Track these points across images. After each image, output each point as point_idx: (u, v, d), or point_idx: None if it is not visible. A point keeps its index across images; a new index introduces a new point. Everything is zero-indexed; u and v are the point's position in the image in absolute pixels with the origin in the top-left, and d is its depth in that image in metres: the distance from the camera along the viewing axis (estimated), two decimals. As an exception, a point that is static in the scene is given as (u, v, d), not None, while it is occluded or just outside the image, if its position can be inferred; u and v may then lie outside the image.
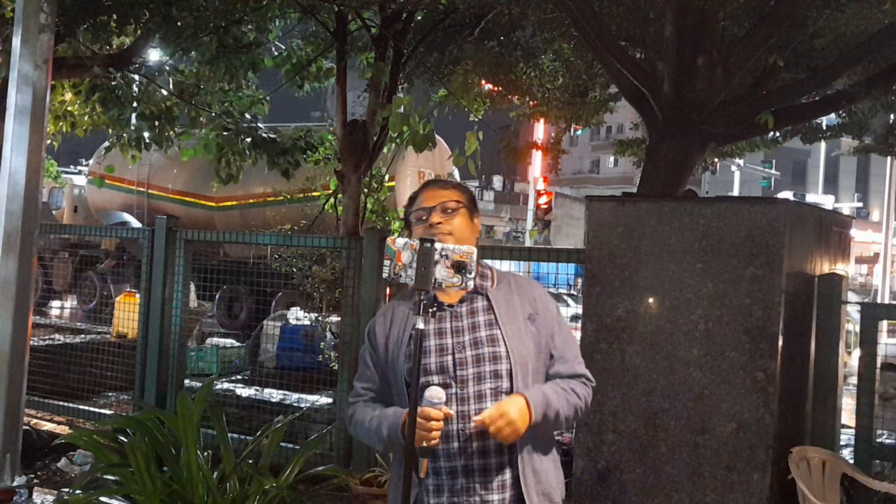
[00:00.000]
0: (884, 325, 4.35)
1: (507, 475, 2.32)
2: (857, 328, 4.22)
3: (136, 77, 8.20)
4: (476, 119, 9.31)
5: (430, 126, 6.39)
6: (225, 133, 8.16)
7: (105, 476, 4.36)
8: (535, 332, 2.39)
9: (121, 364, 7.07)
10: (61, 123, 9.32)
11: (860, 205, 47.40)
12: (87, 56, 7.45)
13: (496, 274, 2.48)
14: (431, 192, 2.48)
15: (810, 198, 38.39)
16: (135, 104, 8.20)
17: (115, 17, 6.96)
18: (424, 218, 2.42)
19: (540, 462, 2.36)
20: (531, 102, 9.09)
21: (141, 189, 16.00)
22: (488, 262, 2.60)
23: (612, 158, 53.51)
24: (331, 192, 9.29)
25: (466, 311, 2.39)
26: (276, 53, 8.78)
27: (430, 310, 2.29)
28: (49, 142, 9.50)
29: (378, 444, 2.42)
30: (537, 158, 24.67)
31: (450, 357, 2.34)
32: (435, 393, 2.22)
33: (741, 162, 33.25)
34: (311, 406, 6.63)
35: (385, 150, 8.28)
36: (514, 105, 9.63)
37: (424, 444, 2.22)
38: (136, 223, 15.16)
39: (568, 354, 2.44)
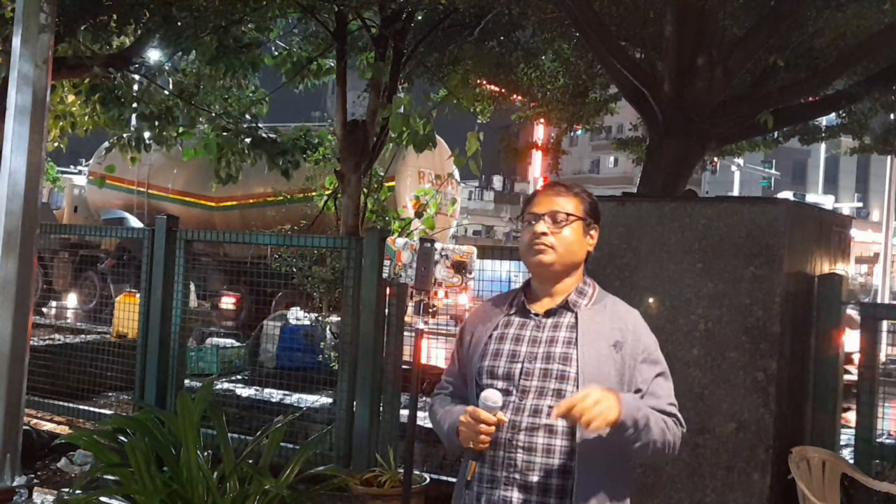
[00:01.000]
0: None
1: (551, 501, 2.17)
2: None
3: (137, 77, 8.20)
4: (481, 121, 9.32)
5: (430, 126, 6.39)
6: (225, 133, 8.17)
7: (105, 476, 4.36)
8: (620, 361, 2.22)
9: (121, 364, 7.07)
10: (62, 123, 9.32)
11: (860, 205, 47.41)
12: (87, 56, 7.46)
13: (596, 293, 2.35)
14: (546, 196, 2.33)
15: (810, 198, 38.40)
16: (135, 104, 8.21)
17: (115, 17, 6.97)
18: (532, 223, 2.30)
19: (601, 499, 2.17)
20: (531, 103, 9.10)
21: (141, 189, 16.01)
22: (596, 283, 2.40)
23: (612, 158, 53.52)
24: (329, 192, 9.29)
25: (550, 324, 2.30)
26: (276, 53, 8.79)
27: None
28: (56, 144, 9.52)
29: (444, 440, 2.36)
30: (537, 158, 24.68)
31: (519, 365, 2.25)
32: (490, 395, 2.15)
33: (741, 162, 33.28)
34: (311, 406, 6.63)
35: (385, 150, 8.29)
36: (515, 106, 9.63)
37: (471, 445, 2.16)
38: (133, 220, 15.15)
39: (660, 392, 2.24)
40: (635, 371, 2.24)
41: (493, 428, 2.15)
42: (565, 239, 2.28)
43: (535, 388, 2.22)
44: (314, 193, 10.02)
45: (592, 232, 2.36)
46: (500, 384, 2.24)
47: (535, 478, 2.18)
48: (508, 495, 2.20)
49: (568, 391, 2.18)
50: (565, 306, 2.31)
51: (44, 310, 12.16)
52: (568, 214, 2.29)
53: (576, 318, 2.28)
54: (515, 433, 2.20)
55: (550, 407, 2.18)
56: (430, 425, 2.55)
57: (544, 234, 2.26)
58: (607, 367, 2.21)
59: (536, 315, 2.32)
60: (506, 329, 2.34)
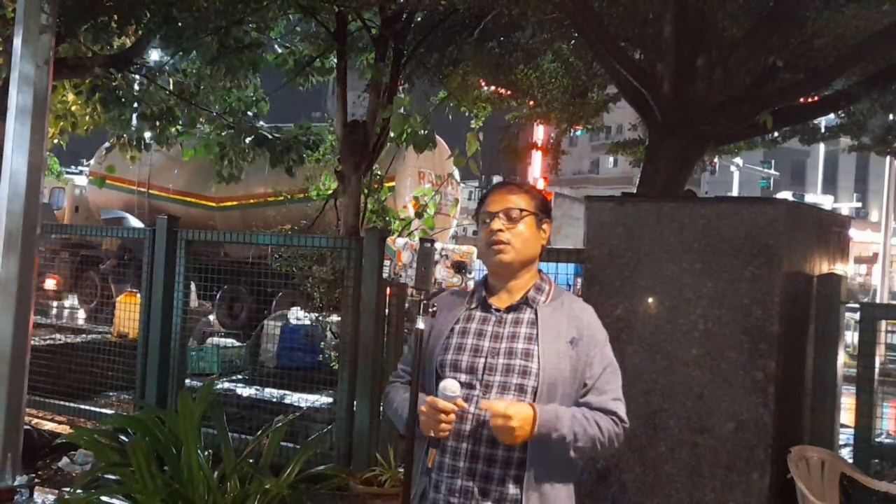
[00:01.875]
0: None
1: (510, 490, 2.27)
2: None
3: (137, 77, 8.21)
4: (474, 125, 9.32)
5: (430, 126, 6.40)
6: (227, 132, 8.17)
7: (106, 475, 4.37)
8: (575, 356, 2.33)
9: (122, 364, 7.08)
10: (62, 123, 9.33)
11: (859, 205, 47.42)
12: (87, 56, 7.46)
13: (553, 290, 2.44)
14: (498, 195, 2.43)
15: (809, 198, 38.43)
16: (135, 104, 8.21)
17: (115, 17, 6.96)
18: (487, 222, 2.39)
19: (551, 488, 2.29)
20: (530, 103, 9.11)
21: (142, 189, 16.01)
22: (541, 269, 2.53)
23: (611, 159, 53.49)
24: (328, 191, 9.30)
25: (511, 320, 2.38)
26: (277, 52, 8.79)
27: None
28: (56, 142, 9.53)
29: (400, 426, 2.43)
30: (537, 159, 24.69)
31: (482, 360, 2.34)
32: (449, 385, 2.22)
33: (740, 162, 33.30)
34: (312, 406, 6.64)
35: (385, 150, 8.29)
36: (514, 106, 9.64)
37: (432, 433, 2.22)
38: (132, 219, 15.16)
39: (605, 388, 2.35)
40: (586, 366, 2.35)
41: (452, 416, 2.22)
42: (521, 234, 2.39)
43: (498, 383, 2.31)
44: (312, 191, 10.03)
45: (545, 226, 2.46)
46: (462, 377, 2.32)
47: (497, 469, 2.28)
48: (469, 484, 2.29)
49: (529, 386, 2.29)
50: (525, 302, 2.40)
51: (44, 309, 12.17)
52: (521, 209, 2.39)
53: (535, 314, 2.37)
54: (479, 427, 2.29)
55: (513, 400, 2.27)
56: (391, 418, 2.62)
57: (500, 230, 2.36)
58: (564, 362, 2.31)
59: (498, 310, 2.41)
60: (468, 323, 2.42)
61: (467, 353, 2.36)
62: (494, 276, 2.45)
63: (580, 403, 2.33)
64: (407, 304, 5.53)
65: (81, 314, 14.98)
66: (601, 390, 2.34)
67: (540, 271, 2.48)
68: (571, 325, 2.36)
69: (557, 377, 2.29)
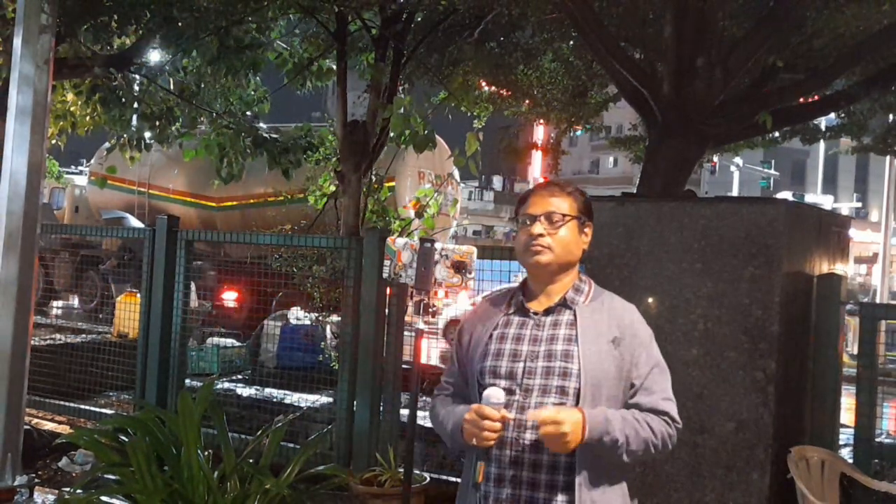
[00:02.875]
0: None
1: (558, 497, 2.20)
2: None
3: (137, 77, 8.21)
4: (477, 125, 9.33)
5: (430, 127, 6.41)
6: (227, 131, 8.17)
7: (106, 475, 4.38)
8: (619, 356, 2.25)
9: (122, 363, 7.08)
10: (62, 123, 9.33)
11: (859, 205, 47.43)
12: (87, 56, 7.46)
13: (593, 290, 2.38)
14: (540, 197, 2.36)
15: (809, 198, 38.42)
16: (135, 104, 8.22)
17: (115, 17, 6.97)
18: (527, 224, 2.34)
19: (602, 494, 2.22)
20: (530, 103, 9.11)
21: (142, 189, 16.01)
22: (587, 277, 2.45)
23: (611, 159, 53.55)
24: (327, 192, 9.30)
25: (550, 322, 2.33)
26: (277, 53, 8.80)
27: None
28: (54, 141, 9.53)
29: (447, 440, 2.37)
30: (537, 159, 24.69)
31: (521, 364, 2.28)
32: (493, 393, 2.18)
33: (740, 162, 33.29)
34: (312, 406, 6.64)
35: (385, 150, 8.30)
36: (515, 106, 9.65)
37: (474, 441, 2.17)
38: (132, 219, 15.17)
39: (654, 388, 2.28)
40: (632, 366, 2.27)
41: (498, 425, 2.17)
42: (562, 239, 2.32)
43: (539, 386, 2.24)
44: (310, 197, 10.03)
45: (587, 230, 2.39)
46: (503, 383, 2.26)
47: (542, 475, 2.21)
48: (517, 493, 2.22)
49: (571, 388, 2.22)
50: (563, 304, 2.34)
51: (44, 309, 12.17)
52: (563, 215, 2.33)
53: (574, 315, 2.31)
54: (521, 432, 2.22)
55: (555, 405, 2.20)
56: (430, 425, 2.56)
57: (541, 235, 2.30)
58: (607, 363, 2.25)
59: (536, 314, 2.35)
60: (506, 328, 2.36)
61: (506, 359, 2.30)
62: (533, 279, 2.40)
63: (629, 405, 2.27)
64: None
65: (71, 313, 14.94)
66: (650, 390, 2.28)
67: (580, 273, 2.42)
68: (613, 324, 2.30)
69: (601, 378, 2.22)
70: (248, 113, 8.84)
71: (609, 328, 2.29)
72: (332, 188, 8.98)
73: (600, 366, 2.24)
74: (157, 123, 8.30)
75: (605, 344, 2.26)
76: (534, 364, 2.27)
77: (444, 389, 2.49)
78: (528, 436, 2.21)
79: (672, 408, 2.30)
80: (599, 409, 2.19)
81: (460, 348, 2.45)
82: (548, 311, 2.34)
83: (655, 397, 2.28)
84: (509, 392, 2.24)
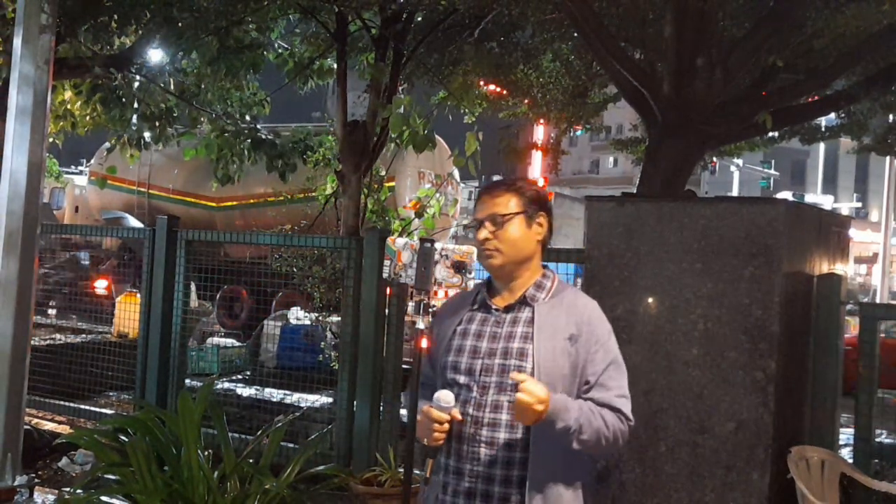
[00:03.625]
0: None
1: (513, 491, 2.25)
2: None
3: (137, 77, 8.22)
4: (471, 120, 9.33)
5: (430, 127, 6.40)
6: (225, 133, 8.18)
7: (106, 475, 4.37)
8: (574, 353, 2.27)
9: (122, 363, 7.08)
10: (62, 123, 9.33)
11: (859, 205, 47.40)
12: (87, 56, 7.46)
13: (555, 286, 2.39)
14: (483, 201, 2.38)
15: (809, 198, 38.42)
16: (135, 104, 8.22)
17: (115, 17, 6.97)
18: (476, 231, 2.37)
19: (554, 489, 2.25)
20: (531, 103, 9.12)
21: (142, 189, 16.01)
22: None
23: (611, 159, 53.53)
24: (328, 192, 9.32)
25: (509, 319, 2.35)
26: (277, 52, 8.80)
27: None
28: (52, 140, 9.53)
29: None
30: (537, 159, 24.69)
31: (479, 361, 2.32)
32: (443, 396, 2.24)
33: (740, 162, 33.28)
34: (312, 406, 6.64)
35: (385, 150, 8.30)
36: (515, 106, 9.65)
37: (426, 442, 2.24)
38: (131, 219, 15.17)
39: (610, 384, 2.29)
40: (587, 363, 2.29)
41: (445, 426, 2.23)
42: (509, 238, 2.34)
43: (495, 384, 2.29)
44: (315, 193, 10.05)
45: (540, 220, 2.39)
46: (462, 379, 2.32)
47: (497, 470, 2.27)
48: (473, 486, 2.28)
49: None
50: (523, 301, 2.37)
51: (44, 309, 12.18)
52: (504, 214, 2.33)
53: (533, 312, 2.34)
54: (478, 428, 2.28)
55: (510, 402, 2.24)
56: None
57: (487, 239, 2.33)
58: (562, 359, 2.27)
59: (497, 310, 2.39)
60: (469, 324, 2.41)
61: (466, 355, 2.34)
62: (494, 278, 2.44)
63: (584, 399, 2.28)
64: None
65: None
66: (605, 386, 2.29)
67: (545, 267, 2.44)
68: (570, 321, 2.31)
69: (555, 375, 2.25)
70: (248, 116, 8.84)
71: (567, 325, 2.30)
72: (326, 193, 9.01)
73: (554, 363, 2.26)
74: (157, 123, 8.30)
75: (561, 341, 2.28)
76: (491, 361, 2.31)
77: (422, 384, 2.56)
78: (485, 432, 2.27)
79: (626, 405, 2.30)
80: (562, 395, 2.22)
81: (432, 343, 2.50)
82: (508, 308, 2.37)
83: (610, 394, 2.29)
84: (467, 388, 2.30)
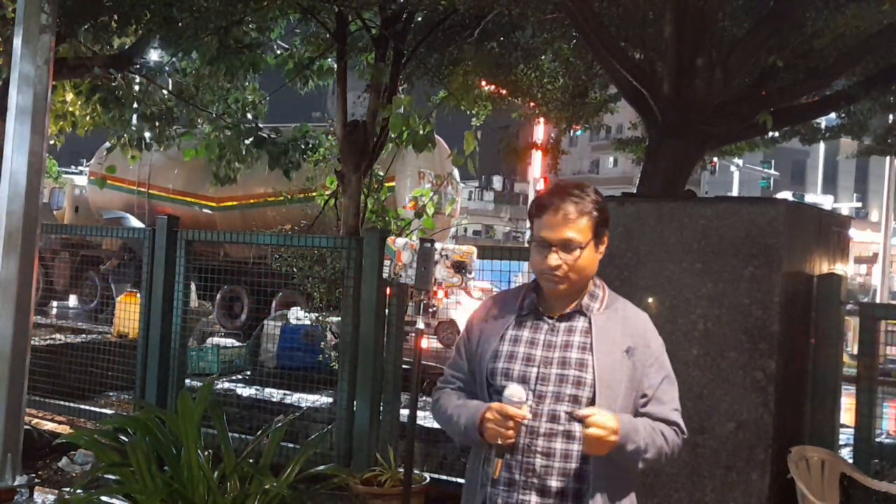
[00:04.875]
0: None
1: (569, 503, 2.22)
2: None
3: (137, 77, 8.22)
4: (477, 123, 9.33)
5: (431, 126, 6.40)
6: (226, 133, 8.18)
7: (106, 475, 4.37)
8: (631, 366, 2.26)
9: (122, 364, 7.08)
10: (62, 123, 9.34)
11: (859, 205, 47.41)
12: (87, 57, 7.47)
13: (607, 297, 2.37)
14: (556, 217, 2.24)
15: (809, 198, 38.44)
16: (135, 104, 8.22)
17: (115, 17, 6.98)
18: (542, 250, 2.27)
19: (613, 500, 2.23)
20: (531, 103, 9.11)
21: (142, 189, 16.02)
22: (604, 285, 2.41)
23: (611, 159, 53.55)
24: (329, 192, 9.32)
25: (564, 328, 2.31)
26: (277, 53, 8.81)
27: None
28: (52, 141, 9.54)
29: (455, 434, 2.36)
30: (537, 159, 24.70)
31: (534, 369, 2.27)
32: (514, 391, 2.18)
33: (740, 162, 33.28)
34: (312, 406, 6.64)
35: (385, 150, 8.30)
36: (515, 106, 9.65)
37: (499, 441, 2.17)
38: (132, 219, 15.17)
39: (665, 398, 2.29)
40: (643, 377, 2.28)
41: (520, 424, 2.17)
42: (579, 266, 2.27)
43: (552, 394, 2.24)
44: (315, 194, 10.04)
45: (605, 239, 2.34)
46: (523, 388, 2.24)
47: (553, 482, 2.22)
48: (526, 499, 2.22)
49: (584, 397, 2.22)
50: (578, 310, 2.32)
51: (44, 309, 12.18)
52: (580, 245, 2.25)
53: (589, 322, 2.30)
54: (533, 438, 2.22)
55: (567, 413, 2.21)
56: (430, 425, 2.57)
57: (558, 266, 2.24)
58: (620, 373, 2.25)
59: (550, 318, 2.33)
60: (518, 331, 2.34)
61: (519, 362, 2.29)
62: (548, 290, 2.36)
63: (640, 414, 2.28)
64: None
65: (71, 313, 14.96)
66: (661, 401, 2.29)
67: (594, 277, 2.38)
68: (626, 333, 2.30)
69: (614, 388, 2.22)
70: (248, 115, 8.84)
71: (623, 337, 2.29)
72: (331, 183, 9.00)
73: (613, 376, 2.23)
74: (157, 124, 8.30)
75: (619, 353, 2.26)
76: (547, 370, 2.26)
77: (450, 382, 2.47)
78: (541, 442, 2.22)
79: (680, 419, 2.32)
80: (627, 416, 2.20)
81: (469, 344, 2.43)
82: (562, 317, 2.33)
83: (666, 408, 2.29)
84: None
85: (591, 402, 2.21)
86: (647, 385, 2.28)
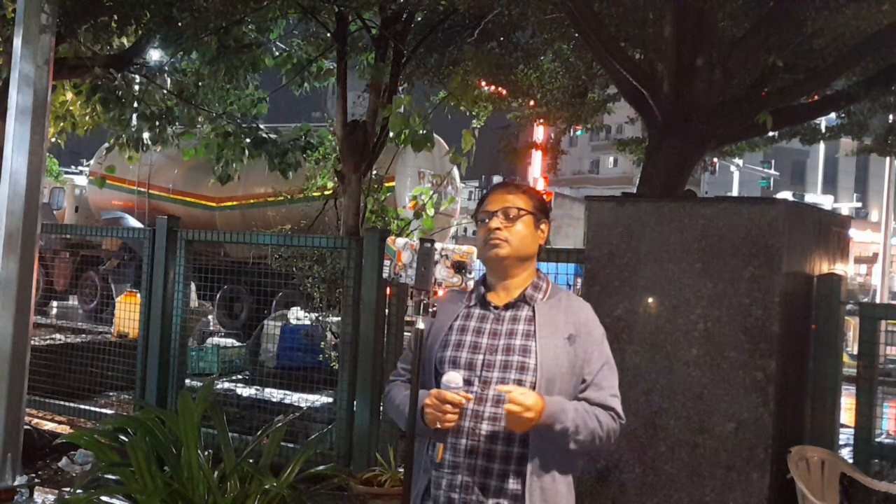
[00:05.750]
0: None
1: (510, 484, 2.31)
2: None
3: (137, 77, 8.22)
4: (476, 125, 9.33)
5: (430, 126, 6.40)
6: (227, 133, 8.18)
7: (106, 475, 4.37)
8: (573, 353, 2.36)
9: (122, 364, 7.08)
10: (62, 124, 9.33)
11: (859, 205, 47.40)
12: (87, 56, 7.46)
13: (550, 288, 2.48)
14: (497, 194, 2.48)
15: (809, 198, 38.41)
16: (135, 104, 8.22)
17: (115, 17, 6.97)
18: (486, 220, 2.44)
19: (552, 482, 2.33)
20: (531, 103, 9.11)
21: (142, 189, 16.01)
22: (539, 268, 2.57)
23: (611, 159, 53.52)
24: (329, 191, 9.32)
25: (509, 317, 2.42)
26: (276, 53, 8.80)
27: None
28: (54, 140, 9.54)
29: (402, 424, 2.47)
30: (537, 158, 24.72)
31: (480, 356, 2.38)
32: (452, 377, 2.27)
33: (740, 162, 33.29)
34: (312, 406, 6.64)
35: (384, 150, 8.30)
36: (514, 106, 9.65)
37: (438, 425, 2.26)
38: (131, 219, 15.17)
39: (603, 384, 2.39)
40: (584, 363, 2.38)
41: (458, 409, 2.26)
42: (518, 233, 2.42)
43: (497, 379, 2.34)
44: (308, 189, 10.04)
45: (542, 226, 2.49)
46: (461, 374, 2.34)
47: (496, 464, 2.32)
48: (470, 480, 2.32)
49: (527, 381, 2.33)
50: (522, 300, 2.44)
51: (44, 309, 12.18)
52: (519, 209, 2.43)
53: (533, 311, 2.41)
54: (478, 422, 2.33)
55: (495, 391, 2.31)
56: (391, 416, 2.64)
57: (498, 229, 2.41)
58: (562, 358, 2.35)
59: (496, 307, 2.45)
60: (466, 321, 2.46)
61: (466, 350, 2.39)
62: (492, 274, 2.49)
63: (579, 399, 2.37)
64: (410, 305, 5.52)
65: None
66: (599, 386, 2.38)
67: (538, 270, 2.52)
68: (569, 321, 2.40)
69: (556, 373, 2.33)
70: (248, 115, 8.84)
71: (565, 325, 2.40)
72: (332, 184, 9.00)
73: (555, 361, 2.34)
74: (157, 123, 8.30)
75: (561, 340, 2.37)
76: (493, 357, 2.37)
77: (401, 375, 2.59)
78: (485, 426, 2.32)
79: (618, 404, 2.41)
80: (557, 397, 2.30)
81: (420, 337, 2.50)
82: (507, 306, 2.44)
83: (604, 393, 2.39)
84: (467, 383, 2.34)
85: (534, 387, 2.30)
86: (588, 371, 2.39)
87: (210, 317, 12.59)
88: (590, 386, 2.38)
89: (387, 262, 2.31)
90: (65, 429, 6.80)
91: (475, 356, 2.38)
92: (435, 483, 2.37)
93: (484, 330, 2.42)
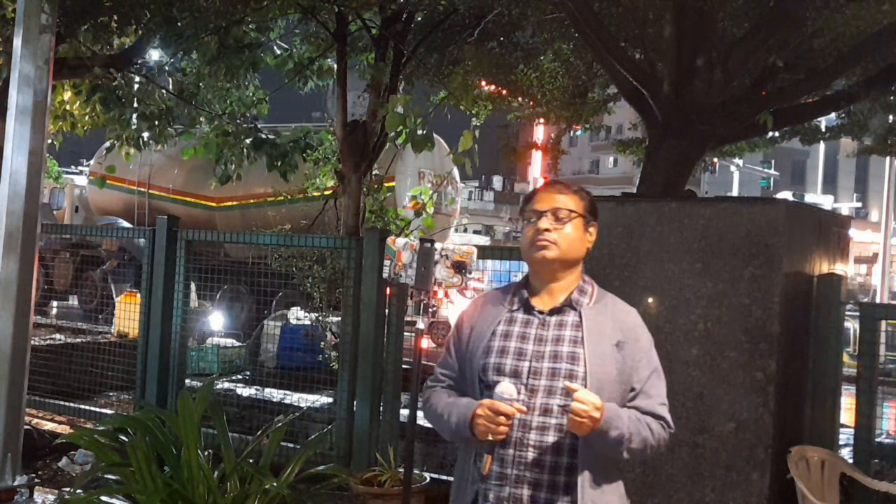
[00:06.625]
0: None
1: (560, 497, 2.23)
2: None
3: (137, 77, 8.21)
4: (476, 123, 9.33)
5: (429, 126, 6.40)
6: (227, 134, 8.17)
7: (106, 475, 4.37)
8: (621, 360, 2.29)
9: (122, 364, 7.08)
10: (61, 123, 9.33)
11: (859, 205, 47.40)
12: (87, 57, 7.46)
13: (596, 292, 2.40)
14: (547, 194, 2.38)
15: (809, 198, 38.44)
16: (135, 104, 8.22)
17: (115, 17, 6.97)
18: (533, 220, 2.35)
19: (602, 495, 2.26)
20: (531, 103, 9.11)
21: (142, 189, 16.00)
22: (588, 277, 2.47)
23: (611, 159, 53.53)
24: (330, 192, 9.32)
25: (555, 323, 2.34)
26: (277, 53, 8.80)
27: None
28: (50, 141, 9.53)
29: (446, 432, 2.38)
30: (537, 158, 24.71)
31: (526, 363, 2.29)
32: (505, 388, 2.19)
33: (740, 162, 33.29)
34: (312, 406, 6.64)
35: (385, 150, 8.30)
36: (514, 106, 9.65)
37: (490, 437, 2.19)
38: (123, 223, 15.18)
39: (653, 392, 2.33)
40: (633, 371, 2.30)
41: (511, 420, 2.18)
42: (567, 235, 2.32)
43: (544, 387, 2.26)
44: (307, 187, 10.03)
45: (591, 229, 2.40)
46: (513, 383, 2.26)
47: (545, 475, 2.23)
48: (519, 492, 2.23)
49: None
50: (568, 304, 2.35)
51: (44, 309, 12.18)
52: (570, 211, 2.33)
53: (580, 316, 2.32)
54: (526, 432, 2.24)
55: (560, 406, 2.22)
56: (430, 425, 2.57)
57: (547, 230, 2.30)
58: (610, 366, 2.27)
59: (541, 313, 2.35)
60: (510, 326, 2.36)
61: (511, 357, 2.31)
62: (536, 276, 2.40)
63: (628, 407, 2.30)
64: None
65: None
66: (648, 394, 2.32)
67: (583, 273, 2.43)
68: (616, 327, 2.33)
69: (604, 380, 2.25)
70: (248, 115, 8.84)
71: (613, 331, 2.32)
72: (331, 183, 8.99)
73: (604, 369, 2.26)
74: (157, 123, 8.29)
75: (609, 347, 2.29)
76: (539, 364, 2.28)
77: (440, 381, 2.48)
78: (533, 436, 2.23)
79: (667, 413, 2.35)
80: (612, 403, 2.22)
81: (459, 342, 2.44)
82: (553, 311, 2.35)
83: (653, 402, 2.32)
84: None
85: None
86: (636, 379, 2.32)
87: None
88: (639, 394, 2.31)
89: (387, 262, 2.32)
90: (65, 429, 6.80)
91: (521, 363, 2.29)
92: (483, 496, 2.29)
93: (529, 336, 2.32)
